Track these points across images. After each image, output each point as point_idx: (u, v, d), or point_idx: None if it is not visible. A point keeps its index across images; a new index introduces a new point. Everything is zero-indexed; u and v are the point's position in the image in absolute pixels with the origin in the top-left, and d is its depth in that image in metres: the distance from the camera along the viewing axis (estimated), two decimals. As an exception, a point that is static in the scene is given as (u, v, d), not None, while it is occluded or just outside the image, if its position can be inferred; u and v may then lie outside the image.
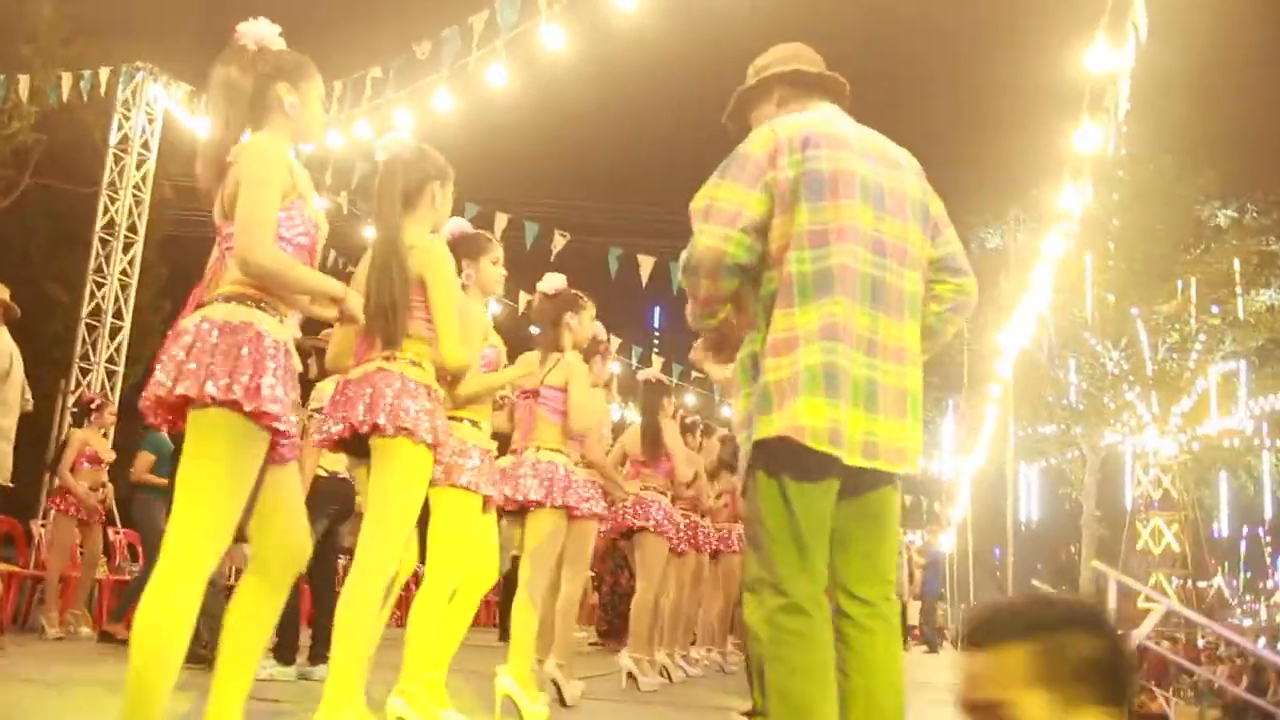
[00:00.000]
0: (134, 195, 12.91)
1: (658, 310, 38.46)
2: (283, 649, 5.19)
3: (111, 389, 12.30)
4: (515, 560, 6.50)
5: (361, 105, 10.82)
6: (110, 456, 7.54)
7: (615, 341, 14.99)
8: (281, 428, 2.46)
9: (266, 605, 2.57)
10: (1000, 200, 22.45)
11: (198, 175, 2.56)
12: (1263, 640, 26.96)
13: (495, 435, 3.91)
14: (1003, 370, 15.68)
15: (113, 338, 12.54)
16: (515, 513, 4.30)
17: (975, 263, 2.73)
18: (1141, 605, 21.73)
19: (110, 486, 7.41)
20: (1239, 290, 22.44)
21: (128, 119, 12.97)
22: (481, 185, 13.02)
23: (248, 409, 2.38)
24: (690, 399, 18.03)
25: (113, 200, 12.78)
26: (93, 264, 12.54)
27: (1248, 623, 36.43)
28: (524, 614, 4.14)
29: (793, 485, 2.28)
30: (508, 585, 8.03)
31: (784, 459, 2.27)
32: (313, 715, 2.86)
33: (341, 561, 6.51)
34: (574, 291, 4.54)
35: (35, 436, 6.24)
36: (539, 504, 4.19)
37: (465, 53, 9.61)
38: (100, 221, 12.67)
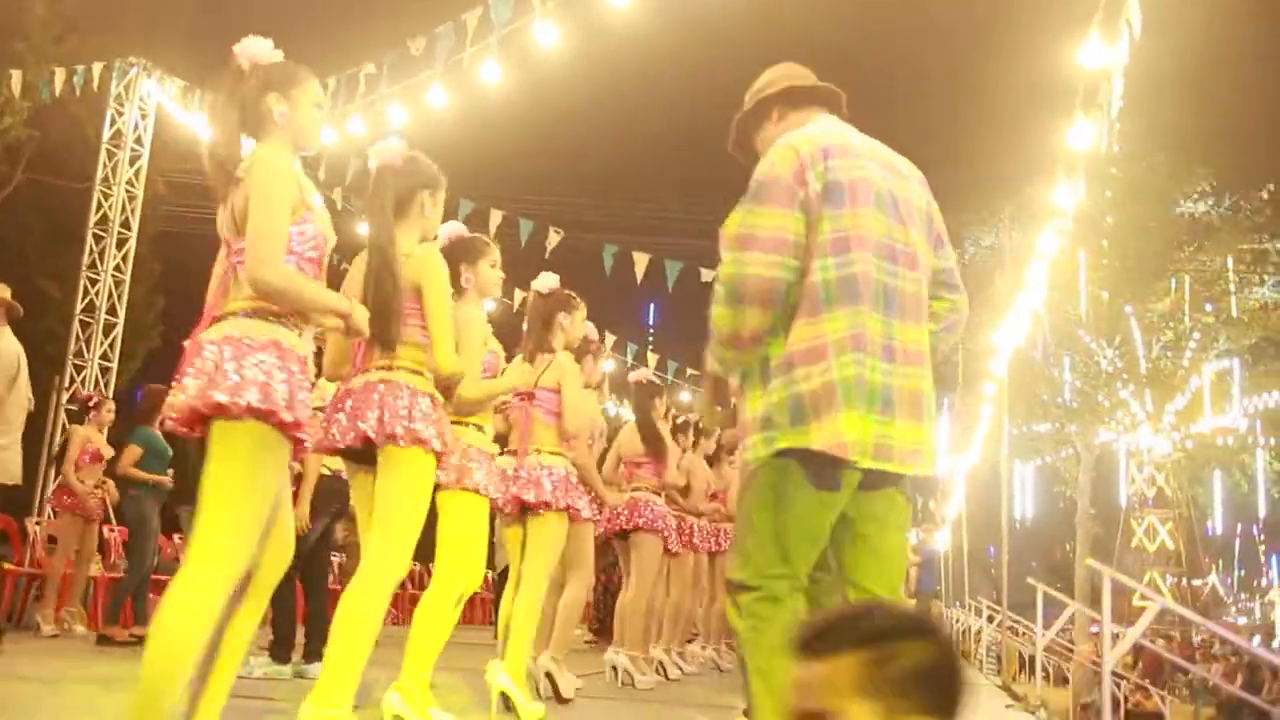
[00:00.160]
0: (127, 191, 12.87)
1: (652, 307, 38.54)
2: (278, 647, 5.19)
3: (106, 385, 12.28)
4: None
5: (355, 102, 10.81)
6: (109, 453, 7.54)
7: (610, 339, 14.99)
8: (303, 437, 2.54)
9: (253, 607, 2.60)
10: (994, 198, 22.49)
11: (211, 184, 2.61)
12: (1257, 638, 27.06)
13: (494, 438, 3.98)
14: (997, 368, 15.68)
15: (106, 334, 12.52)
16: (512, 513, 4.32)
17: (970, 261, 2.75)
18: (1136, 603, 21.82)
19: (111, 483, 7.41)
20: (1232, 288, 22.48)
21: (121, 114, 12.93)
22: (476, 182, 13.04)
23: (286, 419, 2.44)
24: (685, 396, 18.04)
25: (106, 196, 12.74)
26: (86, 260, 12.51)
27: (1242, 620, 36.61)
28: (528, 614, 4.16)
29: (799, 493, 2.33)
30: (500, 583, 8.03)
31: (803, 467, 2.32)
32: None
33: (336, 559, 6.51)
34: (567, 292, 4.55)
35: (30, 434, 6.24)
36: (545, 505, 4.21)
37: (459, 49, 9.60)
38: (94, 217, 12.63)
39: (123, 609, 7.06)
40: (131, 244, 12.88)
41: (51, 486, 11.10)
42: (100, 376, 12.38)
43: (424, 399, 3.09)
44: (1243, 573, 41.32)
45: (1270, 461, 24.69)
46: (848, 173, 2.39)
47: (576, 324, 4.54)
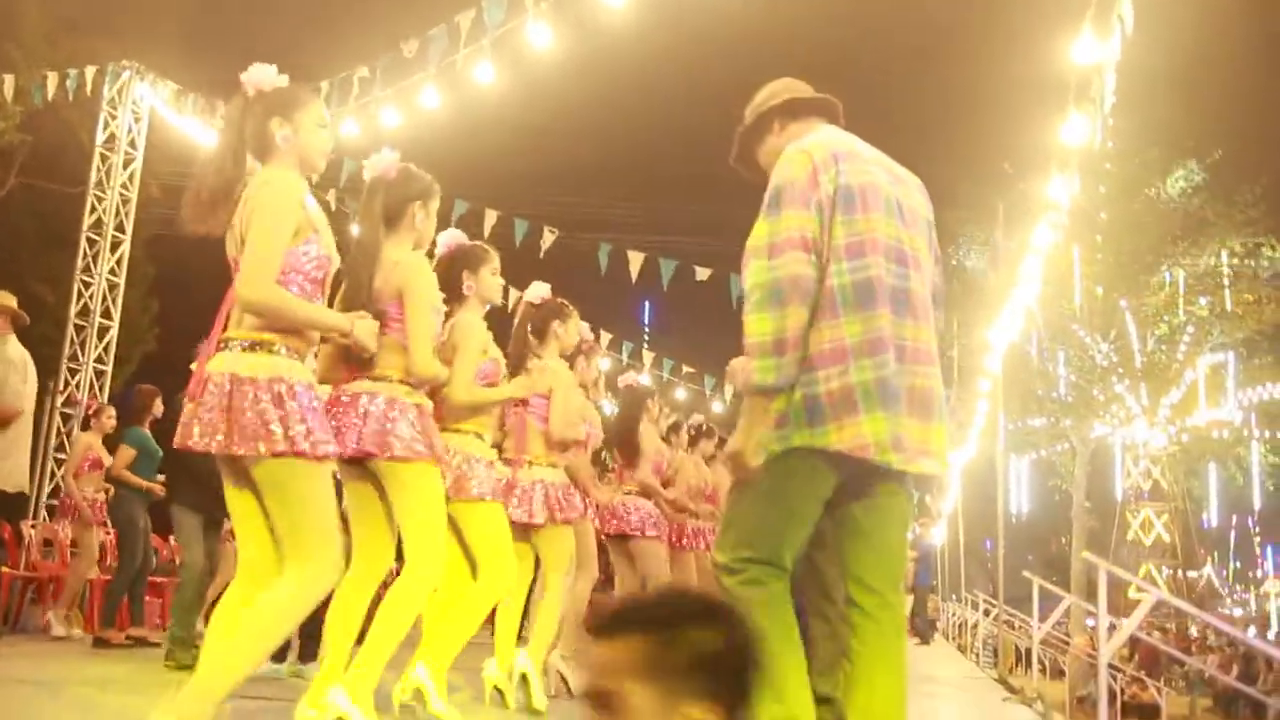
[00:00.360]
0: (121, 195, 12.84)
1: (647, 305, 38.58)
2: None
3: (100, 389, 12.25)
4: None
5: (349, 104, 10.79)
6: (109, 460, 7.56)
7: (606, 337, 15.00)
8: (333, 450, 2.64)
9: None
10: (988, 193, 22.49)
11: (204, 217, 2.64)
12: (1252, 629, 27.19)
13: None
14: (992, 364, 15.72)
15: (101, 338, 12.49)
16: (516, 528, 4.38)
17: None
18: (1132, 596, 21.84)
19: (112, 489, 7.43)
20: (1226, 282, 22.51)
21: (114, 118, 12.89)
22: (470, 183, 13.01)
23: (315, 455, 2.53)
24: (680, 394, 18.06)
25: (99, 200, 12.70)
26: (80, 264, 12.46)
27: (1238, 612, 36.69)
28: (551, 610, 4.39)
29: (801, 490, 2.39)
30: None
31: (812, 467, 2.37)
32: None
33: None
34: (559, 300, 4.60)
35: (26, 437, 6.25)
36: (550, 521, 4.34)
37: (452, 51, 9.60)
38: (87, 221, 12.59)
39: (119, 611, 7.05)
40: (125, 248, 12.85)
41: (46, 490, 11.10)
42: (95, 381, 12.34)
43: (407, 408, 3.16)
44: (1238, 565, 41.37)
45: (1265, 454, 24.71)
46: (857, 177, 2.45)
47: (570, 331, 4.64)
